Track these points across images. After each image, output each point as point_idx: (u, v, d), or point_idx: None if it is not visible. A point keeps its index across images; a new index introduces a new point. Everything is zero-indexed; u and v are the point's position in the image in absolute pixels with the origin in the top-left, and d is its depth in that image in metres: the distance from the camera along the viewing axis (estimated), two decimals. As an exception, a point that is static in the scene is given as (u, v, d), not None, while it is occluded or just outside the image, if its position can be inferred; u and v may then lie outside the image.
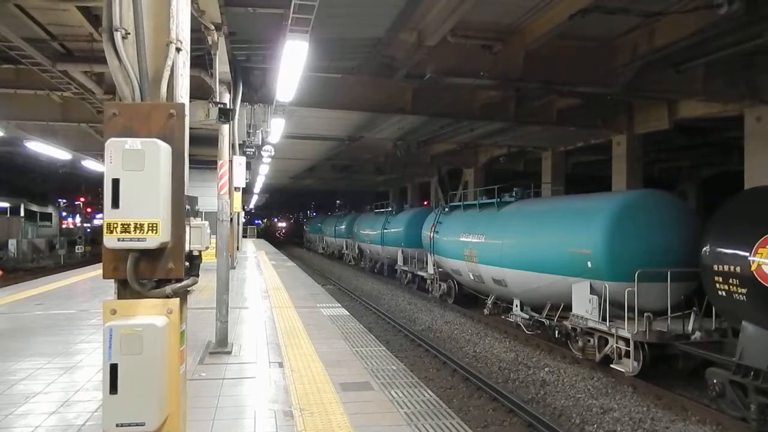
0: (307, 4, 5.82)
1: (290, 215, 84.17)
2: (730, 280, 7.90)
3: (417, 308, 18.13)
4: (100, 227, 2.33)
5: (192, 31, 2.86)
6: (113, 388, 2.21)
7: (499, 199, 15.01)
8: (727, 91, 11.92)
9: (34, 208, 34.81)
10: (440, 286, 18.76)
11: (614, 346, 9.77)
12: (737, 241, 7.96)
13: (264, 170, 24.34)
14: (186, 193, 2.47)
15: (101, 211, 2.31)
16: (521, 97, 14.21)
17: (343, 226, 37.10)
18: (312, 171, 30.93)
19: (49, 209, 38.54)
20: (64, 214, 43.10)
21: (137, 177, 2.26)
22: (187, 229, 2.48)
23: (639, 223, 10.10)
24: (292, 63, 7.51)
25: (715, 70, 11.44)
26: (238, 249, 23.40)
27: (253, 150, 13.20)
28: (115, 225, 2.25)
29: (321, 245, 47.67)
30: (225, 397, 5.37)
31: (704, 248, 8.49)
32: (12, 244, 30.30)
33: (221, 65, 7.60)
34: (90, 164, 19.04)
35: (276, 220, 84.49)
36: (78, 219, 45.01)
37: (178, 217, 2.40)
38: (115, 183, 2.25)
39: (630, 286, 9.32)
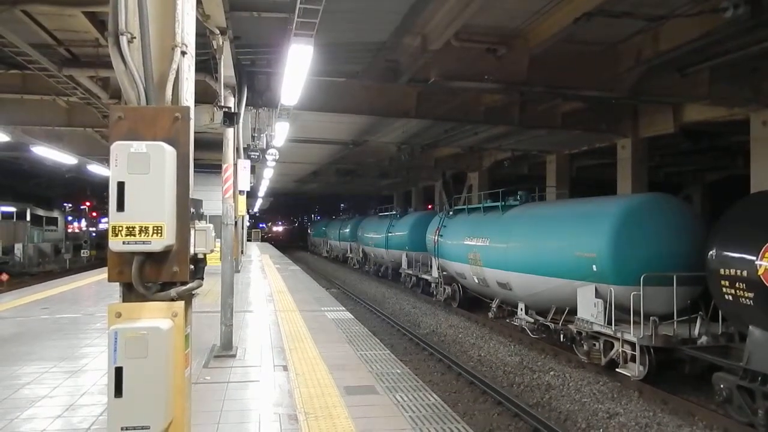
0: (312, 9, 5.84)
1: (293, 218, 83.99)
2: (737, 284, 7.85)
3: (421, 312, 18.09)
4: (106, 231, 2.34)
5: (197, 35, 2.87)
6: (118, 391, 2.21)
7: (503, 203, 14.99)
8: (732, 94, 11.88)
9: (40, 212, 34.98)
10: (445, 289, 18.72)
11: (620, 350, 9.72)
12: (744, 244, 7.92)
13: (268, 174, 24.40)
14: (191, 197, 2.48)
15: (107, 215, 2.32)
16: (525, 100, 14.21)
17: (348, 230, 37.10)
18: (316, 175, 30.97)
19: (55, 214, 38.73)
20: (69, 218, 43.28)
21: (142, 180, 2.26)
22: (192, 232, 2.48)
23: (644, 227, 10.06)
24: (297, 67, 7.53)
25: (720, 74, 11.41)
26: (242, 253, 23.44)
27: (257, 154, 13.23)
28: (120, 228, 2.25)
29: (325, 249, 47.69)
30: (230, 400, 5.36)
31: (710, 252, 8.45)
32: (18, 248, 30.42)
33: (226, 69, 7.63)
34: (95, 168, 19.12)
35: (280, 223, 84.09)
36: (84, 223, 45.18)
37: (183, 221, 2.40)
38: (121, 186, 2.25)
39: (636, 289, 9.28)
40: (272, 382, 5.97)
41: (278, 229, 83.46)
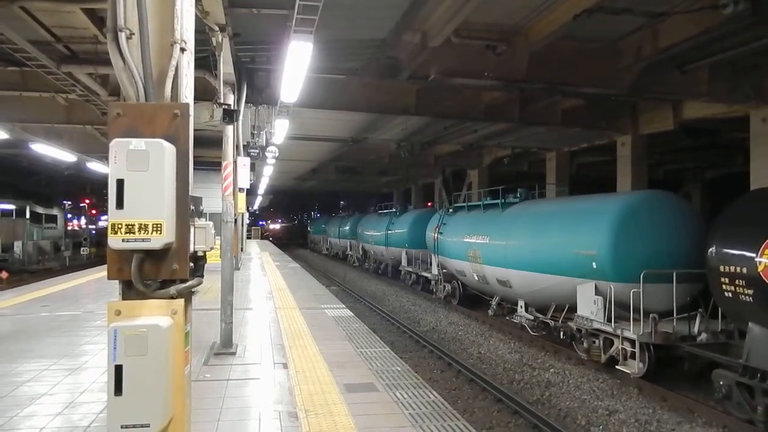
0: (311, 5, 5.82)
1: (293, 216, 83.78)
2: (737, 281, 7.85)
3: (421, 309, 18.10)
4: (105, 229, 2.33)
5: (196, 32, 2.86)
6: (118, 389, 2.20)
7: (503, 200, 14.99)
8: (732, 92, 11.86)
9: (40, 210, 34.90)
10: (444, 287, 18.73)
11: (619, 347, 9.73)
12: (743, 242, 7.91)
13: (268, 171, 24.37)
14: (190, 194, 2.47)
15: (106, 212, 2.31)
16: (525, 98, 14.18)
17: (347, 228, 37.10)
18: (316, 172, 30.95)
19: (55, 211, 38.64)
20: (69, 215, 43.22)
21: (142, 177, 2.25)
22: (192, 229, 2.47)
23: (644, 224, 10.06)
24: (296, 64, 7.51)
25: (720, 71, 11.40)
26: (242, 250, 23.43)
27: (257, 151, 13.20)
28: (120, 226, 2.25)
29: (325, 246, 47.69)
30: (230, 398, 5.36)
31: (710, 249, 8.44)
32: (17, 246, 30.38)
33: (225, 66, 7.61)
34: (95, 166, 19.09)
35: (279, 220, 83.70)
36: (83, 221, 45.14)
37: (182, 218, 2.39)
38: (120, 183, 2.24)
39: (635, 287, 9.28)
40: (272, 379, 5.97)
41: (278, 226, 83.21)
